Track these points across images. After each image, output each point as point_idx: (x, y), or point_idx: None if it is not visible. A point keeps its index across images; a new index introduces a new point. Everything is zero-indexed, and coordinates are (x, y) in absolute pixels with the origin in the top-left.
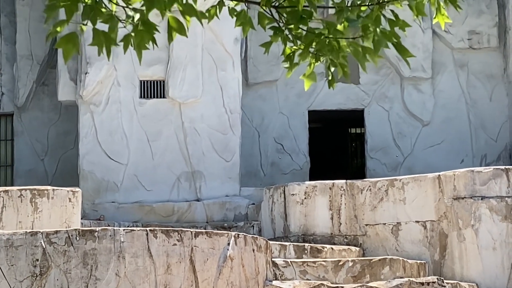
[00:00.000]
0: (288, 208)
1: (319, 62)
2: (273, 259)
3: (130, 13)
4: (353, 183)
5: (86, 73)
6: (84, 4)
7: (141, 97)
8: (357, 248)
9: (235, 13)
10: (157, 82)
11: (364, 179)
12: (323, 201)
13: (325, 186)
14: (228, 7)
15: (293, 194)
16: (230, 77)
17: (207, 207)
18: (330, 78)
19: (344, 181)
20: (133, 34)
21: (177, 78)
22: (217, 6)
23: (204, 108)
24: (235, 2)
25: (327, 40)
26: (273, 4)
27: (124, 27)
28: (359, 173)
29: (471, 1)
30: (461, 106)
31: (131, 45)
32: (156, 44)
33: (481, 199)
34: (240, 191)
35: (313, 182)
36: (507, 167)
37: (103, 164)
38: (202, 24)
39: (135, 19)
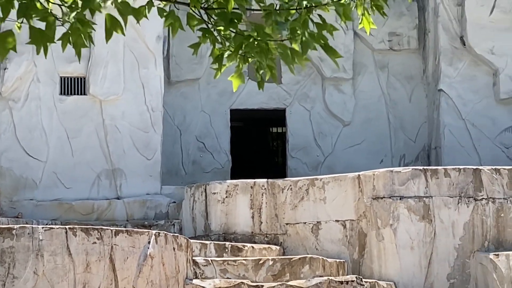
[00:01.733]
0: (209, 207)
1: (247, 63)
2: (193, 258)
3: (66, 10)
4: (274, 182)
5: (5, 69)
6: (19, 2)
7: (61, 93)
8: (278, 247)
9: (164, 14)
10: (77, 78)
11: (285, 179)
12: (244, 200)
13: (247, 185)
14: (157, 7)
15: (214, 193)
16: (152, 74)
17: (127, 205)
18: (259, 80)
19: (266, 180)
20: (70, 32)
21: (98, 75)
22: (146, 6)
23: (125, 105)
24: (164, 3)
25: (256, 42)
26: (202, 5)
27: (62, 25)
28: (280, 172)
29: (391, 3)
30: (381, 107)
31: (69, 43)
32: (92, 42)
33: (400, 199)
34: (161, 190)
35: (234, 181)
36: (425, 167)
37: (21, 161)
38: (139, 22)
39: (71, 17)
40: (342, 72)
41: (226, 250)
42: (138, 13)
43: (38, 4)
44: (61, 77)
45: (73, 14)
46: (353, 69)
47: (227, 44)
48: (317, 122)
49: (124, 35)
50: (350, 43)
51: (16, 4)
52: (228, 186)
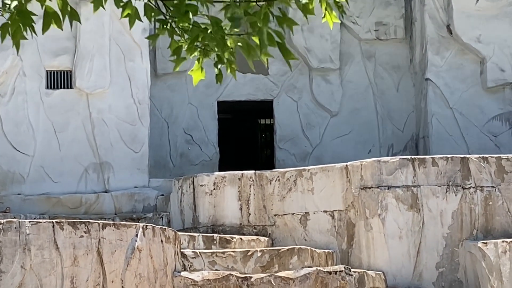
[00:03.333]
0: (197, 199)
1: (207, 57)
2: (182, 250)
3: (7, 1)
4: (262, 173)
5: None
6: None
7: (47, 87)
8: (266, 238)
9: (121, 4)
10: (64, 72)
11: (273, 170)
12: (232, 191)
13: (234, 176)
14: None
15: (202, 185)
16: (138, 67)
17: (115, 198)
18: (217, 73)
19: (253, 171)
20: (9, 22)
21: (84, 69)
22: None
23: (112, 98)
24: None
25: (214, 35)
26: None
27: (1, 15)
28: (268, 163)
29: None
30: (369, 97)
31: (9, 34)
32: (35, 32)
33: (388, 188)
34: (149, 182)
35: (222, 173)
36: (413, 157)
37: (8, 155)
38: (79, 21)
39: (11, 7)
40: (329, 62)
41: (215, 242)
42: (75, 16)
43: None
44: (47, 71)
45: (14, 4)
46: (340, 59)
47: (186, 36)
48: (304, 113)
49: (62, 29)
50: (336, 33)
51: None
52: (215, 178)
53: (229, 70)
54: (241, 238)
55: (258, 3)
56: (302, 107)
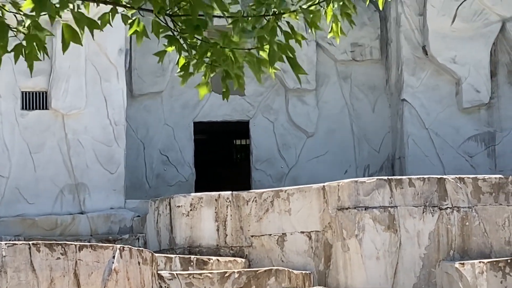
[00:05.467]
0: (174, 220)
1: (214, 73)
2: (159, 272)
3: (22, 18)
4: (239, 194)
5: None
6: None
7: (23, 108)
8: (243, 260)
9: (129, 21)
10: (39, 93)
11: (250, 191)
12: (209, 212)
13: (211, 197)
14: (122, 15)
15: (179, 206)
16: (114, 88)
17: (91, 219)
18: (224, 90)
19: (230, 192)
20: (24, 42)
21: (60, 89)
22: (110, 13)
23: (88, 119)
24: (129, 10)
25: (222, 51)
26: (168, 12)
27: (15, 35)
28: (245, 184)
29: (353, 14)
30: (345, 118)
31: (22, 55)
32: (47, 54)
33: (365, 209)
34: (125, 204)
35: (199, 194)
36: (389, 177)
37: None
38: (92, 36)
39: (27, 24)
40: (305, 83)
41: (192, 263)
42: (94, 25)
43: None
44: (22, 92)
45: (29, 21)
46: (316, 80)
47: (193, 52)
48: (281, 133)
49: (81, 45)
50: (312, 54)
51: None
52: (192, 199)
53: (236, 86)
54: (218, 260)
55: (266, 17)
56: (278, 127)
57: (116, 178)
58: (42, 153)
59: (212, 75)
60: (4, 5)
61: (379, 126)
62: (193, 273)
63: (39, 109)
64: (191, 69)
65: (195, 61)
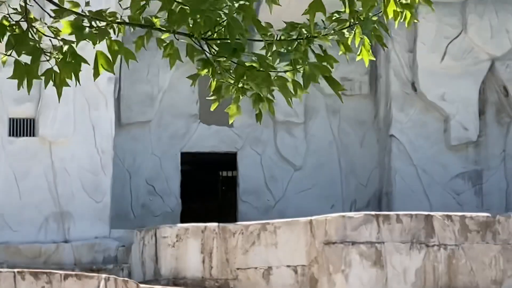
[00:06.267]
0: (159, 251)
1: (245, 95)
2: None
3: (58, 44)
4: (225, 226)
5: None
6: (10, 34)
7: (10, 135)
8: None
9: (163, 44)
10: (27, 120)
11: (237, 223)
12: (195, 244)
13: (197, 229)
14: (156, 38)
15: (164, 237)
16: (102, 116)
17: (75, 249)
18: (257, 112)
19: (217, 224)
20: (56, 68)
21: (48, 117)
22: (145, 37)
23: (75, 147)
24: (164, 33)
25: (257, 74)
26: (203, 36)
27: (48, 60)
28: (231, 216)
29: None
30: (332, 152)
31: (52, 80)
32: (79, 81)
33: (352, 244)
34: (110, 233)
35: (185, 225)
36: (377, 213)
37: None
38: (128, 64)
39: (64, 50)
40: (293, 116)
41: None
42: (130, 55)
43: (28, 37)
44: (10, 118)
45: (66, 47)
46: (305, 113)
47: (226, 75)
48: (268, 166)
49: (113, 73)
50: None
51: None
52: (178, 230)
53: (267, 108)
54: None
55: (298, 40)
56: (266, 160)
57: (102, 207)
58: (27, 180)
59: (242, 98)
60: (40, 29)
61: (367, 161)
62: None
63: (27, 136)
64: (222, 92)
65: (226, 84)
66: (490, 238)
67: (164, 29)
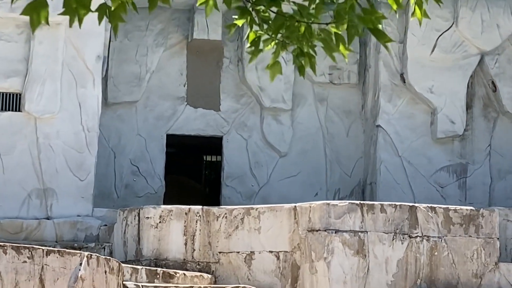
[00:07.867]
0: (142, 232)
1: (285, 50)
2: (124, 282)
3: None
4: (209, 209)
5: None
6: None
7: None
8: (209, 276)
9: None
10: (13, 94)
11: (221, 206)
12: (178, 226)
13: (181, 211)
14: None
15: (148, 218)
16: (89, 94)
17: (57, 226)
18: (299, 65)
19: (201, 207)
20: (109, 2)
21: (35, 92)
22: None
23: (60, 124)
24: None
25: (297, 25)
26: None
27: None
28: (214, 200)
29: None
30: (318, 140)
31: (106, 16)
32: (136, 10)
33: (335, 232)
34: (93, 212)
35: (169, 206)
36: (362, 202)
37: None
38: (169, 4)
39: None
40: (281, 102)
41: (158, 276)
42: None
43: None
44: None
45: None
46: (293, 100)
47: (265, 26)
48: (253, 151)
49: (170, 6)
50: (290, 74)
51: None
52: (162, 211)
53: (308, 66)
54: (184, 274)
55: None
56: (251, 145)
57: (85, 185)
58: (11, 155)
59: (282, 53)
60: None
61: (352, 150)
62: (159, 286)
63: (12, 110)
64: (261, 45)
65: (266, 36)
66: (473, 231)
67: None
